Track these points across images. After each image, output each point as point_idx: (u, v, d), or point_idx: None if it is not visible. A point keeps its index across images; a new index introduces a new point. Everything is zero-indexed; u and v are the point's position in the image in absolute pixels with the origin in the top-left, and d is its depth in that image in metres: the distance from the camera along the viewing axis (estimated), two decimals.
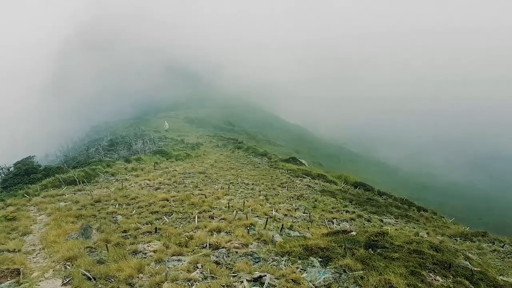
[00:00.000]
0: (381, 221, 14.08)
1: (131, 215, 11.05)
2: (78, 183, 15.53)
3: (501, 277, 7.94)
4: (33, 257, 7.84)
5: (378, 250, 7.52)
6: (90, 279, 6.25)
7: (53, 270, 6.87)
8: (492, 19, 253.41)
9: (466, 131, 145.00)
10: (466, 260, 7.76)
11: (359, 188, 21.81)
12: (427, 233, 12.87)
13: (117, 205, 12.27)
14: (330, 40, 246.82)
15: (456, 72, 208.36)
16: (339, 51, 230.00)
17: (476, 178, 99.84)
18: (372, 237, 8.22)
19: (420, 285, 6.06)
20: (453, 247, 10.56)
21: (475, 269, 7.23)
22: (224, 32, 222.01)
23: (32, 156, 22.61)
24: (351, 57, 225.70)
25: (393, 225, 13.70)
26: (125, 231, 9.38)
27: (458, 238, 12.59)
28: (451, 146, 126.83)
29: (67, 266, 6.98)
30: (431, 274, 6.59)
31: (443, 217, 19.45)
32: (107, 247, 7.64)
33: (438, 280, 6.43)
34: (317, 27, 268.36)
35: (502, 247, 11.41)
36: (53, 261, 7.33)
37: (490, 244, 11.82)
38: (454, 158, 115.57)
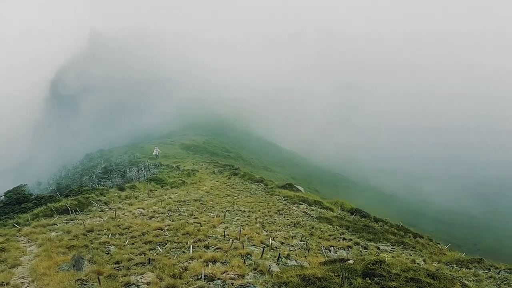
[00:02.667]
0: (378, 248, 13.93)
1: (124, 246, 10.84)
2: (70, 212, 15.31)
3: None
4: None
5: (376, 279, 7.41)
6: None
7: None
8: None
9: (459, 158, 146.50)
10: None
11: (355, 215, 21.67)
12: (424, 260, 12.74)
13: (110, 235, 12.06)
14: (330, 68, 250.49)
15: (450, 102, 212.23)
16: (338, 80, 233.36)
17: (471, 205, 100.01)
18: (369, 266, 8.11)
19: None
20: (450, 274, 10.44)
21: None
22: (219, 57, 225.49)
23: (24, 185, 22.36)
24: (352, 85, 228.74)
25: (390, 252, 13.56)
26: (117, 262, 9.18)
27: (455, 265, 12.45)
28: (445, 174, 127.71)
29: None
30: None
31: (439, 244, 19.29)
32: (99, 279, 7.46)
33: None
34: (319, 54, 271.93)
35: (498, 273, 11.30)
36: None
37: (486, 271, 11.70)
38: (448, 185, 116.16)
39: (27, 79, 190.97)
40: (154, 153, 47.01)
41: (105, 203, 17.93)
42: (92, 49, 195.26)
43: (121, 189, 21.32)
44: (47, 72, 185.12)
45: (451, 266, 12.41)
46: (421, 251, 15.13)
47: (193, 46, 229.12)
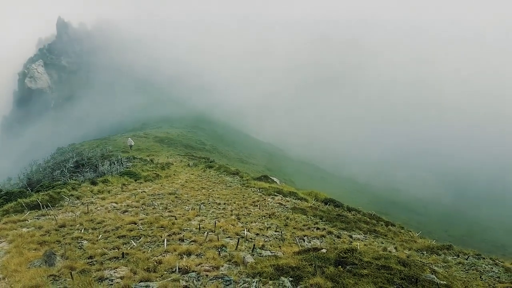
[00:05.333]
0: (351, 237, 14.24)
1: (97, 240, 10.69)
2: (41, 207, 14.96)
3: None
4: None
5: (348, 267, 7.60)
6: None
7: None
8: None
9: (431, 149, 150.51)
10: (432, 274, 7.94)
11: (329, 205, 22.01)
12: (395, 248, 13.09)
13: (82, 229, 11.87)
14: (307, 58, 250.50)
15: (418, 92, 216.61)
16: (311, 71, 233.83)
17: (441, 193, 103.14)
18: (341, 254, 8.31)
19: None
20: (420, 261, 10.79)
21: (441, 282, 7.40)
22: (190, 46, 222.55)
23: None
24: (324, 78, 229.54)
25: (362, 240, 13.87)
26: (91, 257, 9.07)
27: (425, 252, 12.85)
28: (416, 164, 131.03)
29: None
30: None
31: (410, 231, 19.85)
32: (71, 275, 7.36)
33: None
34: (299, 42, 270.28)
35: (467, 259, 11.74)
36: None
37: (455, 257, 12.13)
38: (420, 174, 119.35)
39: None
40: (128, 144, 47.28)
41: (77, 198, 17.60)
42: (59, 39, 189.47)
43: (94, 183, 20.94)
44: (14, 64, 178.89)
45: (422, 253, 12.79)
46: (392, 239, 15.52)
47: (165, 35, 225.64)
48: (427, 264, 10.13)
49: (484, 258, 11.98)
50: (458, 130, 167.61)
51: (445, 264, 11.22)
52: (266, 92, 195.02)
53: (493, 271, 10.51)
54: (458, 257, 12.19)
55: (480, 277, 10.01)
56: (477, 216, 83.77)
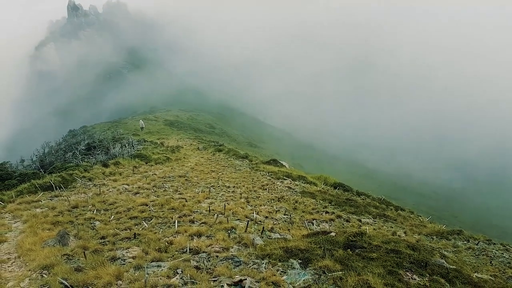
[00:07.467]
0: (360, 221, 14.27)
1: (109, 221, 10.87)
2: (54, 188, 15.20)
3: (475, 274, 8.16)
4: (8, 266, 7.65)
5: (357, 251, 7.64)
6: (68, 287, 6.14)
7: (29, 279, 6.72)
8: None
9: (441, 134, 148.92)
10: (442, 258, 7.94)
11: (338, 189, 22.02)
12: (405, 232, 13.10)
13: (94, 210, 12.06)
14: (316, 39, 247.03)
15: (430, 78, 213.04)
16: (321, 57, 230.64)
17: (451, 179, 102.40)
18: (350, 238, 8.34)
19: (397, 284, 6.17)
20: (430, 245, 10.81)
21: (451, 267, 7.40)
22: (203, 33, 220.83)
23: (7, 162, 22.09)
24: (341, 65, 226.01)
25: (371, 224, 13.90)
26: (103, 237, 9.24)
27: (435, 237, 12.85)
28: (427, 149, 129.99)
29: (44, 275, 6.83)
30: (408, 273, 6.73)
31: (420, 216, 19.80)
32: (84, 254, 7.51)
33: (415, 279, 6.58)
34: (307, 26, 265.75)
35: (477, 244, 11.72)
36: (29, 270, 7.17)
37: (465, 242, 12.11)
38: (430, 159, 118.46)
39: (6, 55, 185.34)
40: (140, 126, 49.43)
41: (89, 180, 17.81)
42: (70, 22, 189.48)
43: (105, 165, 21.14)
44: (26, 47, 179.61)
45: (431, 237, 12.80)
46: (402, 223, 15.53)
47: (176, 21, 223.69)
48: (437, 249, 10.14)
49: (494, 244, 11.96)
50: (469, 116, 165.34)
51: (455, 249, 11.23)
52: (282, 80, 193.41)
53: (504, 257, 10.50)
54: (468, 242, 12.17)
55: (490, 262, 10.01)
56: (487, 202, 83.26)
